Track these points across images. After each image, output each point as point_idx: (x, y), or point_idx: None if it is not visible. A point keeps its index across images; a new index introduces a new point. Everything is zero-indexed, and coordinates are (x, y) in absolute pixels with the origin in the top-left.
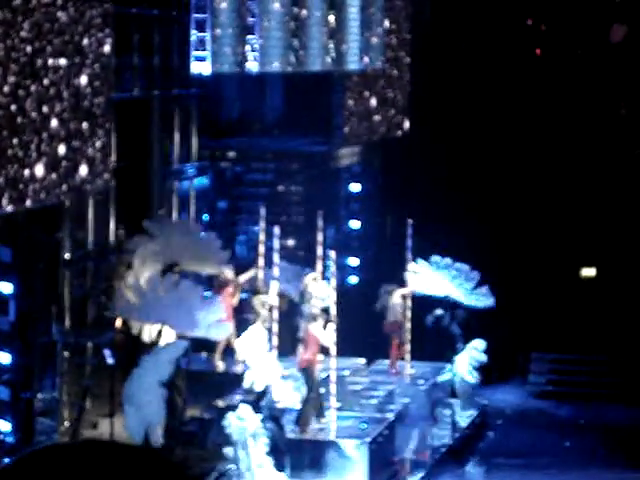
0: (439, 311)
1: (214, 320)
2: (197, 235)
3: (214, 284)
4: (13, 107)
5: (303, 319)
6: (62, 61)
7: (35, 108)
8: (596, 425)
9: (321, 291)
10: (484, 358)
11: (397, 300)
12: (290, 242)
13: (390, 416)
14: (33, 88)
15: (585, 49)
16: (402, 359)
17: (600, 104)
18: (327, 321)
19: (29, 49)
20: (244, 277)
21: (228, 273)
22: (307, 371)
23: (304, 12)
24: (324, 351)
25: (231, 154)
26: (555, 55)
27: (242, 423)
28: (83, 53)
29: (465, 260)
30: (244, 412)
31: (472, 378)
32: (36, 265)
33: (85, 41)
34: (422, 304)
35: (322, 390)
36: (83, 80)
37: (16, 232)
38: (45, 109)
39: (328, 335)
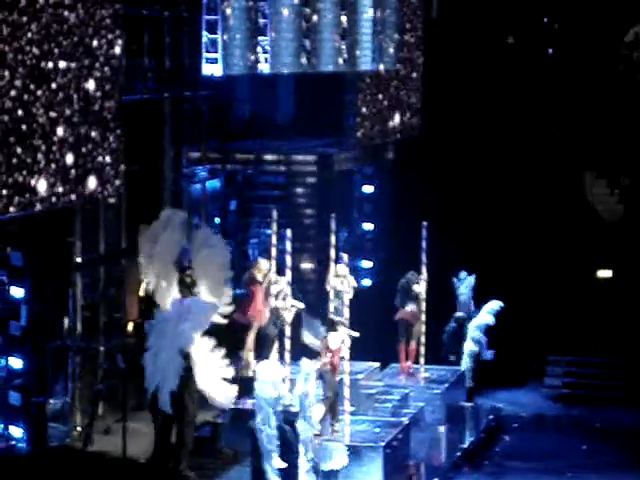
0: (459, 313)
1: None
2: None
3: (244, 279)
4: (20, 112)
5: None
6: (71, 64)
7: (43, 113)
8: (612, 428)
9: (346, 285)
10: (492, 321)
11: (422, 289)
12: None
13: (404, 420)
14: (41, 92)
15: (598, 47)
16: (416, 362)
17: (614, 102)
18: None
19: (37, 51)
20: (275, 286)
21: (263, 265)
22: (325, 374)
23: (315, 13)
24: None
25: (243, 156)
26: (568, 53)
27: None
28: (93, 55)
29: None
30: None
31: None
32: (47, 269)
33: (95, 43)
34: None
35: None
36: (93, 83)
37: (27, 236)
38: (53, 114)
39: (341, 344)
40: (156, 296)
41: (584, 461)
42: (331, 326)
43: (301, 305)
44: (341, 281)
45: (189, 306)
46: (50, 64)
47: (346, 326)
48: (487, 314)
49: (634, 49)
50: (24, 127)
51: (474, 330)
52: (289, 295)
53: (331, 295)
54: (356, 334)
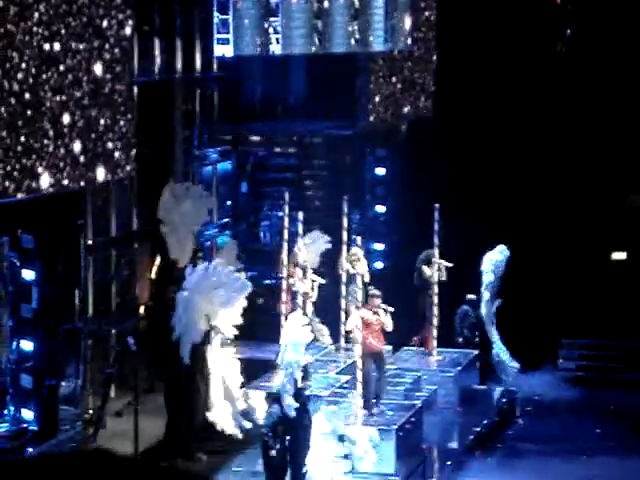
0: (465, 307)
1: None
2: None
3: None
4: (27, 95)
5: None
6: (80, 45)
7: (52, 96)
8: (627, 411)
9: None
10: (503, 258)
11: (434, 272)
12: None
13: (417, 403)
14: (49, 75)
15: (614, 32)
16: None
17: (631, 89)
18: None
19: (45, 33)
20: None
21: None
22: (371, 355)
23: None
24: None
25: (254, 138)
26: (587, 34)
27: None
28: (103, 36)
29: (493, 244)
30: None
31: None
32: (58, 252)
33: (105, 23)
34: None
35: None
36: (102, 65)
37: (38, 219)
38: (62, 97)
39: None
40: (180, 263)
41: (598, 444)
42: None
43: (322, 280)
44: (354, 264)
45: (221, 275)
46: (58, 46)
47: (359, 307)
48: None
49: None
50: (31, 111)
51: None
52: (309, 271)
53: (343, 278)
54: (390, 309)
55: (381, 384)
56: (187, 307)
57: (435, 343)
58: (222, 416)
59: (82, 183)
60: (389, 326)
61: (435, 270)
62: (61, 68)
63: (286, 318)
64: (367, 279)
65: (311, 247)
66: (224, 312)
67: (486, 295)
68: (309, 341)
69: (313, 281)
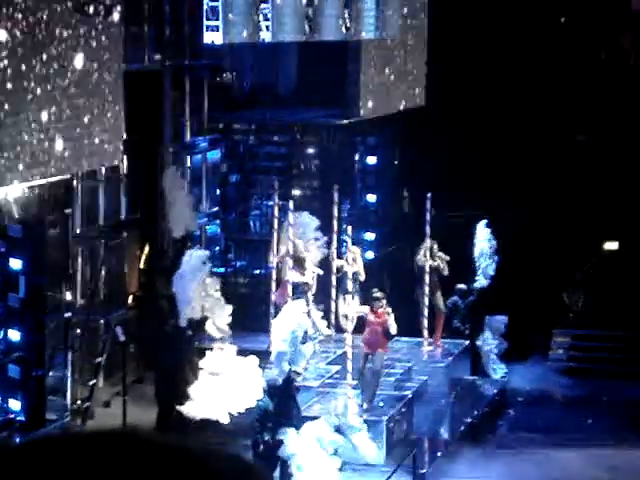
0: (454, 297)
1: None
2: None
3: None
4: (9, 85)
5: (345, 296)
6: (66, 32)
7: (39, 84)
8: (618, 402)
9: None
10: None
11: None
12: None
13: (408, 394)
14: (34, 63)
15: (608, 18)
16: (420, 336)
17: (624, 76)
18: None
19: (30, 19)
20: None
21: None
22: (377, 355)
23: None
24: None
25: (244, 127)
26: (578, 25)
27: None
28: (90, 22)
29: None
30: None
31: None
32: (46, 241)
33: (92, 9)
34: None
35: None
36: (90, 52)
37: (26, 208)
38: (49, 86)
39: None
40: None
41: (590, 435)
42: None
43: (320, 271)
44: (347, 262)
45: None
46: (43, 32)
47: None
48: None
49: None
50: (17, 100)
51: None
52: (310, 262)
53: (334, 268)
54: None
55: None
56: (179, 283)
57: (426, 333)
58: (198, 408)
59: (70, 173)
60: (393, 329)
61: (428, 258)
62: (44, 57)
63: (276, 307)
64: (362, 278)
65: (301, 233)
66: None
67: (483, 281)
68: (308, 330)
69: (313, 272)
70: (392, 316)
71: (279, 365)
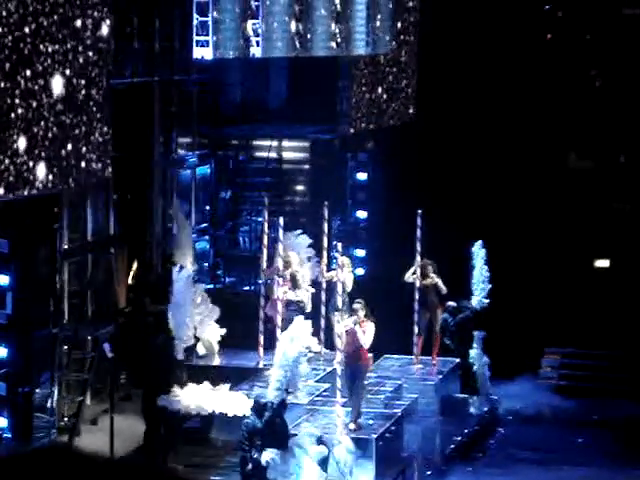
0: (445, 314)
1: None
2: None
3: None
4: None
5: (336, 313)
6: (54, 47)
7: (22, 101)
8: (609, 421)
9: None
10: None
11: (414, 278)
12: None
13: (398, 412)
14: (20, 78)
15: (595, 33)
16: (411, 354)
17: (612, 88)
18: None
19: (17, 33)
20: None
21: (293, 258)
22: (357, 367)
23: None
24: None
25: (234, 142)
26: (565, 39)
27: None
28: (78, 37)
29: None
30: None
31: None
32: (34, 256)
33: (79, 23)
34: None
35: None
36: (78, 67)
37: (13, 223)
38: (34, 102)
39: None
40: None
41: (580, 454)
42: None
43: (312, 290)
44: (337, 273)
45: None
46: (29, 47)
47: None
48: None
49: None
50: (3, 116)
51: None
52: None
53: (324, 285)
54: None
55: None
56: (175, 312)
57: (415, 350)
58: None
59: (58, 187)
60: (369, 338)
61: (415, 276)
62: (28, 73)
63: (267, 321)
64: (349, 288)
65: (295, 249)
66: (200, 330)
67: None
68: (305, 349)
69: (307, 290)
70: (372, 325)
71: (279, 386)
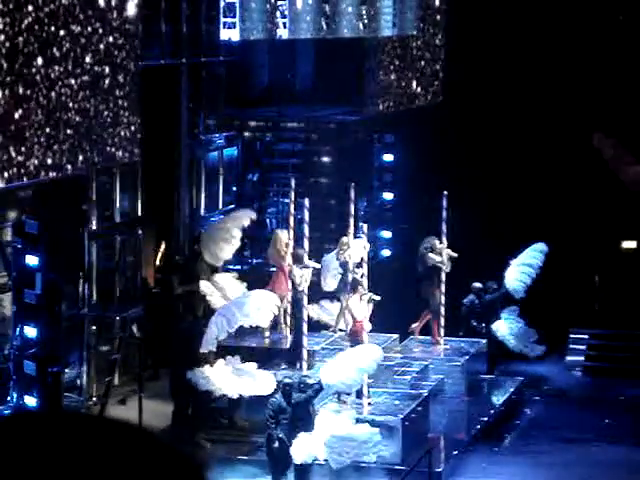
0: (471, 296)
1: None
2: None
3: (269, 255)
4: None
5: (344, 288)
6: (80, 29)
7: (50, 85)
8: (636, 402)
9: (356, 254)
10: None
11: (443, 258)
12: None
13: (424, 392)
14: (41, 61)
15: (627, 14)
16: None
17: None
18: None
19: (40, 14)
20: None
21: (282, 236)
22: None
23: None
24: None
25: (260, 124)
26: (599, 20)
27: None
28: (105, 19)
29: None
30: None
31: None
32: (62, 237)
33: (105, 4)
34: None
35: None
36: (106, 49)
37: (42, 204)
38: (64, 84)
39: (364, 309)
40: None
41: (607, 434)
42: (353, 289)
43: (317, 265)
44: (342, 253)
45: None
46: (53, 29)
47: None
48: (532, 253)
49: None
50: (30, 96)
51: (517, 268)
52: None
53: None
54: (377, 297)
55: None
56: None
57: (443, 332)
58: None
59: (86, 168)
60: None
61: (443, 257)
62: (56, 53)
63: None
64: (351, 265)
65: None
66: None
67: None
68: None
69: (308, 267)
70: (372, 303)
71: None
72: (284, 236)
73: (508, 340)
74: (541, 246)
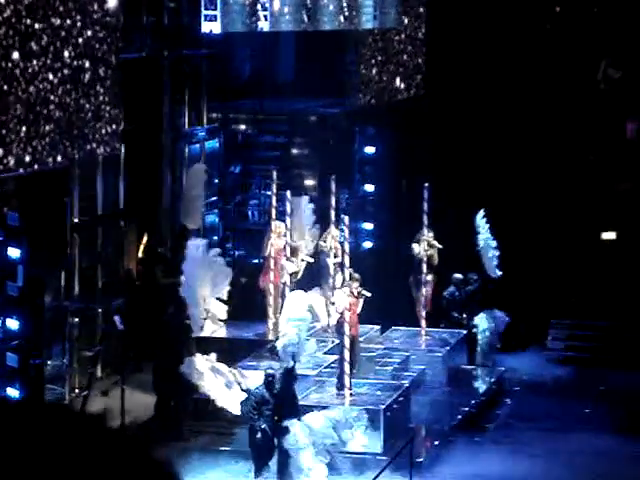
0: (451, 288)
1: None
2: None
3: (265, 246)
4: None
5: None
6: (61, 21)
7: (31, 78)
8: (616, 392)
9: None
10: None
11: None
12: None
13: (405, 383)
14: (27, 50)
15: (601, 6)
16: (418, 326)
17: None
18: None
19: (19, 7)
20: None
21: (280, 227)
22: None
23: None
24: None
25: (242, 116)
26: (575, 13)
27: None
28: (86, 12)
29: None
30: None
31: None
32: (44, 229)
33: None
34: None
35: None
36: (87, 41)
37: (24, 196)
38: (42, 77)
39: (346, 301)
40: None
41: (588, 424)
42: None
43: (310, 259)
44: (324, 244)
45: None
46: (31, 22)
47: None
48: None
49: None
50: (9, 90)
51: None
52: (302, 251)
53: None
54: (368, 294)
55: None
56: (188, 289)
57: (424, 323)
58: (215, 391)
59: (67, 161)
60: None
61: (423, 248)
62: (33, 47)
63: (263, 294)
64: (335, 257)
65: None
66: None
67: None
68: (308, 320)
69: (302, 260)
70: (363, 299)
71: (284, 356)
72: (282, 227)
73: (483, 336)
74: (479, 215)
